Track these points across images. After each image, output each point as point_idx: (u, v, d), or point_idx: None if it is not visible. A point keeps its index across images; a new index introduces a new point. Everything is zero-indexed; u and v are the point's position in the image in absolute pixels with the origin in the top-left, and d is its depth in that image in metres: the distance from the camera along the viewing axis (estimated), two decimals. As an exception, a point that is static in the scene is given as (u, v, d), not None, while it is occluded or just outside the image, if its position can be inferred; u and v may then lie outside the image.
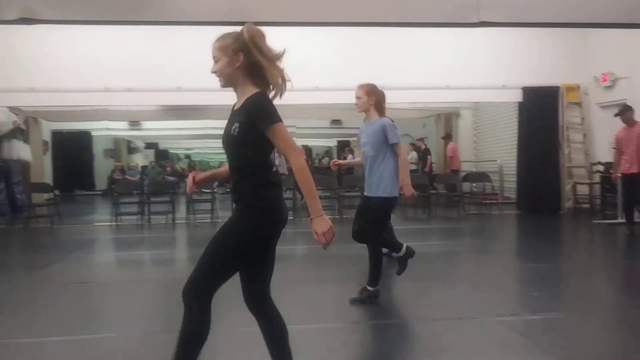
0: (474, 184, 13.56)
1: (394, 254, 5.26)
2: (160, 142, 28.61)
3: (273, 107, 2.54)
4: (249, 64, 2.58)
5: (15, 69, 10.15)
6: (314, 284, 5.81)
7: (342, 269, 6.39)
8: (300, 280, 5.92)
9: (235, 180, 2.61)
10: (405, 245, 4.93)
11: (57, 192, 12.63)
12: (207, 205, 11.12)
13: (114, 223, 10.61)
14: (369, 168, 4.71)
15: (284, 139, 2.50)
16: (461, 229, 10.16)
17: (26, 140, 14.16)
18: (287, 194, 12.38)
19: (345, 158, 21.85)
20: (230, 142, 2.60)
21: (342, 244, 8.79)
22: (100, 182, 21.77)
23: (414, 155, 15.77)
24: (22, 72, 10.16)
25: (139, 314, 4.91)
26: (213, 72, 2.65)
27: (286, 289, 5.52)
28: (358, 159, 5.22)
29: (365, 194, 4.81)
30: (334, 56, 10.72)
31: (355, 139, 24.49)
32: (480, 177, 12.88)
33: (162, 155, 29.51)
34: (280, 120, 2.51)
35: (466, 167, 15.61)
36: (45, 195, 12.92)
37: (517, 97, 12.04)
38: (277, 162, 16.79)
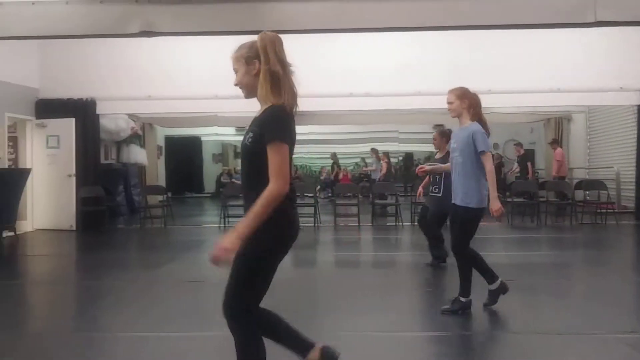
0: (587, 192, 12.81)
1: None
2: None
3: (284, 124, 2.49)
4: (267, 72, 2.54)
5: (135, 79, 10.83)
6: (410, 291, 5.74)
7: (438, 277, 6.28)
8: (399, 287, 5.88)
9: (246, 189, 2.58)
10: (500, 280, 4.74)
11: (169, 194, 13.30)
12: (310, 210, 11.30)
13: (222, 225, 11.04)
14: (457, 175, 4.58)
15: (278, 161, 2.42)
16: (574, 239, 9.64)
17: (142, 145, 15.12)
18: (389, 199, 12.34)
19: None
20: (244, 151, 2.59)
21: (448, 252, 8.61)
22: (209, 185, 22.71)
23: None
24: (140, 82, 10.82)
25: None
26: (235, 84, 2.66)
27: (381, 296, 5.53)
28: (447, 164, 4.98)
29: (452, 202, 4.66)
30: (438, 60, 10.55)
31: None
32: (595, 184, 12.14)
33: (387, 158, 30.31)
34: (285, 141, 2.45)
35: (578, 174, 14.80)
36: (159, 197, 13.69)
37: (635, 100, 11.27)
38: (373, 166, 16.66)
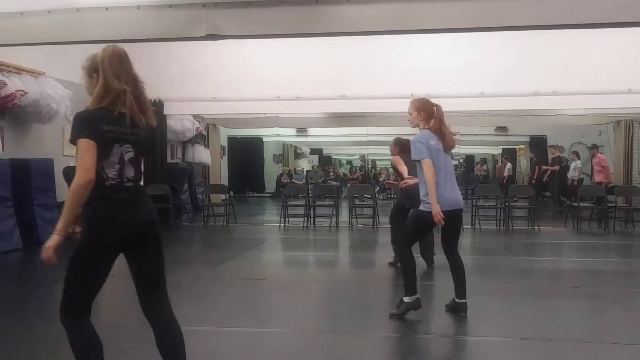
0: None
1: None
2: (324, 148, 29.59)
3: (81, 123, 2.62)
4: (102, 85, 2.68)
5: (200, 81, 11.12)
6: (477, 294, 5.67)
7: (510, 282, 6.18)
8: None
9: None
10: (417, 297, 4.68)
11: (231, 193, 13.60)
12: (369, 211, 11.32)
13: (282, 224, 11.20)
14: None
15: (79, 155, 2.55)
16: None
17: (206, 145, 15.51)
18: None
19: (503, 166, 21.00)
20: None
21: (510, 256, 8.49)
22: (270, 185, 23.03)
23: (577, 164, 14.81)
24: (206, 84, 11.10)
25: (307, 312, 5.17)
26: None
27: (442, 298, 5.49)
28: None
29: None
30: (502, 61, 10.34)
31: (521, 146, 23.35)
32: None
33: (325, 161, 30.49)
34: (82, 137, 2.56)
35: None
36: (222, 196, 14.01)
37: None
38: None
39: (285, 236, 10.33)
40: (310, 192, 12.54)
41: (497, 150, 28.81)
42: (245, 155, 21.19)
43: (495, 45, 10.20)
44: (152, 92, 11.15)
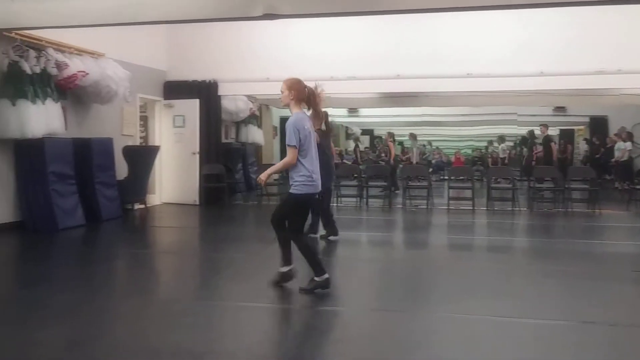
0: None
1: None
2: (375, 129, 29.39)
3: None
4: None
5: (254, 62, 11.19)
6: (536, 277, 5.55)
7: (570, 265, 6.02)
8: (515, 273, 5.71)
9: None
10: (327, 276, 4.77)
11: (284, 173, 13.66)
12: (423, 192, 11.20)
13: (334, 204, 11.21)
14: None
15: None
16: None
17: (259, 126, 15.65)
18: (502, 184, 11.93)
19: (567, 147, 20.28)
20: None
21: (569, 238, 8.26)
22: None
23: (621, 145, 14.27)
24: (259, 64, 11.16)
25: (361, 291, 5.18)
26: None
27: (495, 280, 5.40)
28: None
29: None
30: (561, 38, 9.97)
31: (580, 127, 22.53)
32: None
33: (392, 139, 30.32)
34: None
35: None
36: (275, 176, 14.10)
37: None
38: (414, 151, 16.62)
39: (338, 216, 10.32)
40: (362, 172, 12.48)
41: (554, 131, 27.94)
42: (297, 135, 21.19)
43: (555, 22, 9.84)
44: (207, 73, 11.36)
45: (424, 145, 22.60)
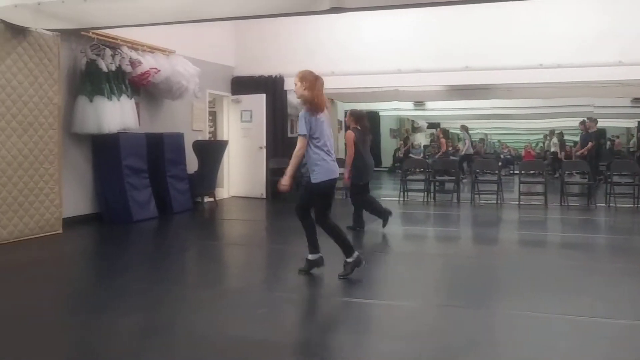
0: None
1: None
2: (442, 122, 28.93)
3: None
4: None
5: (320, 56, 11.19)
6: (614, 275, 5.30)
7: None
8: (589, 270, 5.47)
9: None
10: (357, 253, 4.97)
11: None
12: (493, 186, 10.92)
13: (401, 199, 11.11)
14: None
15: None
16: None
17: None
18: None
19: None
20: None
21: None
22: (386, 160, 22.92)
23: None
24: (324, 58, 11.16)
25: (431, 285, 5.10)
26: None
27: (569, 278, 5.19)
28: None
29: None
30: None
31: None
32: None
33: (443, 135, 29.82)
34: None
35: None
36: (340, 170, 14.10)
37: None
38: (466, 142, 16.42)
39: (405, 210, 10.23)
40: (429, 167, 12.31)
41: (632, 124, 26.64)
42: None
43: (633, 10, 9.34)
44: (273, 68, 11.46)
45: (482, 139, 22.10)
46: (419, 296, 4.71)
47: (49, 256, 6.34)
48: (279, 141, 11.81)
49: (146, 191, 8.48)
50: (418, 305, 4.41)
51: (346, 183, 7.43)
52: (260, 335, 3.70)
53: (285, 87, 11.92)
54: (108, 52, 8.03)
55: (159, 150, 8.92)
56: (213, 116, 11.98)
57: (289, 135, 13.14)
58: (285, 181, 4.89)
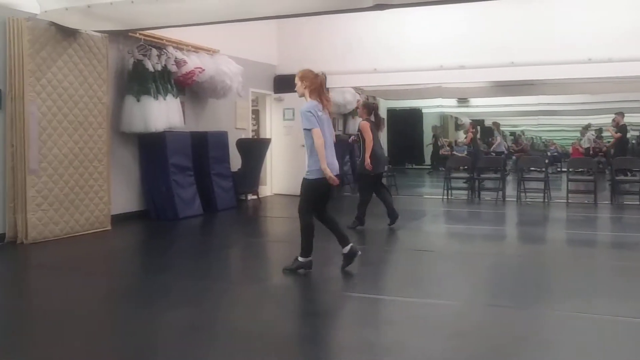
0: None
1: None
2: (486, 119, 28.45)
3: None
4: None
5: (362, 53, 11.16)
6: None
7: None
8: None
9: None
10: (351, 245, 5.09)
11: (390, 165, 13.57)
12: (539, 184, 10.68)
13: (445, 197, 10.97)
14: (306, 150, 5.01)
15: None
16: None
17: (367, 118, 15.59)
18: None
19: None
20: None
21: None
22: (429, 158, 22.68)
23: None
24: (367, 55, 11.12)
25: (476, 285, 5.01)
26: None
27: (620, 279, 5.03)
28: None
29: None
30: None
31: None
32: None
33: (487, 132, 29.33)
34: None
35: None
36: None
37: None
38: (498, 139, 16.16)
39: (449, 209, 10.10)
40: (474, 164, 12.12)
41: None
42: (405, 127, 21.02)
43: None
44: (315, 66, 11.41)
45: (518, 135, 21.61)
46: (465, 295, 4.64)
47: (98, 252, 6.51)
48: (321, 139, 11.81)
49: (191, 189, 8.61)
50: (464, 304, 4.34)
51: (368, 168, 7.33)
52: (303, 332, 3.71)
53: (328, 85, 11.83)
54: (154, 52, 8.18)
55: (204, 149, 9.04)
56: (256, 114, 12.08)
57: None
58: (327, 175, 4.83)
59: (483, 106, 20.53)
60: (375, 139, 7.44)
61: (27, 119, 6.39)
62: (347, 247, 5.12)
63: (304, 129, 4.87)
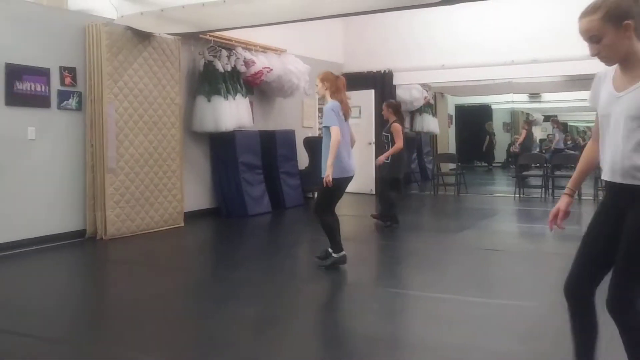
0: None
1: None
2: (559, 115, 27.50)
3: None
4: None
5: (429, 49, 11.01)
6: None
7: None
8: None
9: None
10: (344, 253, 5.16)
11: (459, 162, 13.34)
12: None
13: (517, 195, 10.68)
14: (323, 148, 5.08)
15: None
16: None
17: (434, 114, 15.41)
18: None
19: None
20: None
21: None
22: (499, 155, 22.08)
23: None
24: (434, 52, 10.96)
25: (548, 286, 4.83)
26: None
27: None
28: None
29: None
30: None
31: None
32: None
33: (527, 126, 28.29)
34: None
35: None
36: (451, 165, 13.82)
37: None
38: (556, 137, 15.52)
39: (521, 207, 9.82)
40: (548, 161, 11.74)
41: None
42: (473, 123, 20.56)
43: None
44: (382, 63, 11.35)
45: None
46: (539, 296, 4.49)
47: (172, 247, 6.73)
48: (388, 137, 11.75)
49: (260, 187, 8.76)
50: (538, 305, 4.20)
51: (380, 162, 7.46)
52: (373, 330, 3.70)
53: (395, 82, 11.84)
54: (224, 53, 8.37)
55: (272, 147, 9.17)
56: (322, 113, 12.13)
57: (399, 130, 13.05)
58: (327, 174, 4.90)
59: (556, 101, 19.83)
60: (404, 143, 7.52)
61: (106, 120, 6.68)
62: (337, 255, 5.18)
63: (324, 127, 5.04)
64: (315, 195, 5.34)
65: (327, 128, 4.97)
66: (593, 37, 2.20)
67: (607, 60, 2.24)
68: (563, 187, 9.32)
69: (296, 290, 4.76)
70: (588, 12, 2.20)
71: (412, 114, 14.51)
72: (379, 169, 7.84)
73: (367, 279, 5.19)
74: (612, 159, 2.22)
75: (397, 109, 7.65)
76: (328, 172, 4.88)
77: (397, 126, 7.37)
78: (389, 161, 7.39)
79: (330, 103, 5.09)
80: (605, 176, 2.29)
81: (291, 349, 3.43)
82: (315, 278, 5.21)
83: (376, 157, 11.31)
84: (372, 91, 11.50)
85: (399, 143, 7.23)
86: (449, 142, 17.56)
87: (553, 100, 19.68)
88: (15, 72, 6.07)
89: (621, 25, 2.13)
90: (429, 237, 7.29)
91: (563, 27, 9.82)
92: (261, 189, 8.76)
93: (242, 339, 3.61)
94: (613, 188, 2.28)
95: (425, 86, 13.81)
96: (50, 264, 5.77)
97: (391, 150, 7.31)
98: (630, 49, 2.17)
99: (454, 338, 3.59)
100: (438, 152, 15.32)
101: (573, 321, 2.58)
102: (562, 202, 2.49)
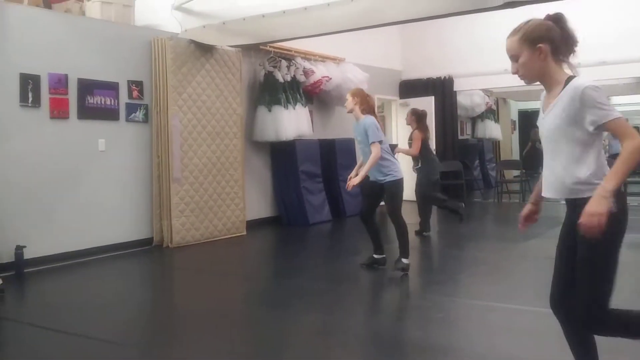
0: None
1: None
2: (630, 118, 26.39)
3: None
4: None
5: (490, 54, 10.73)
6: None
7: None
8: None
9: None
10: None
11: (523, 170, 12.97)
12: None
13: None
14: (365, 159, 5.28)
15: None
16: None
17: (496, 120, 15.08)
18: None
19: None
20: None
21: None
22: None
23: None
24: (495, 56, 10.67)
25: (624, 297, 4.62)
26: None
27: None
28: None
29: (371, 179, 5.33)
30: None
31: None
32: None
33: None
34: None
35: None
36: (514, 172, 13.47)
37: None
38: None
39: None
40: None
41: None
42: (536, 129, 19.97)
43: None
44: (441, 69, 11.23)
45: None
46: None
47: (235, 255, 6.85)
48: (449, 144, 11.60)
49: (320, 195, 8.80)
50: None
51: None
52: (437, 341, 3.63)
53: (455, 88, 11.67)
54: (284, 63, 8.48)
55: (331, 156, 9.20)
56: (382, 120, 12.09)
57: (459, 137, 12.85)
58: (355, 181, 5.14)
59: (626, 104, 19.01)
60: (430, 147, 7.77)
61: (171, 131, 6.89)
62: (379, 256, 5.50)
63: (371, 142, 5.13)
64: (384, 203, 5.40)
65: (373, 143, 5.15)
66: (513, 57, 2.38)
67: (524, 78, 2.40)
68: (634, 193, 8.95)
69: (356, 298, 4.74)
70: (511, 33, 2.39)
71: (474, 120, 14.26)
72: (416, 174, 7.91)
73: (430, 287, 5.11)
74: (550, 178, 2.40)
75: (420, 117, 7.75)
76: (352, 183, 5.16)
77: (417, 134, 7.55)
78: (419, 166, 7.61)
79: (371, 119, 5.28)
80: (547, 194, 2.49)
81: (351, 356, 3.42)
82: (376, 286, 5.18)
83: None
84: (432, 98, 11.38)
85: (413, 149, 7.50)
86: (512, 148, 17.13)
87: (623, 104, 18.88)
88: (87, 87, 6.35)
89: (535, 47, 2.31)
90: (494, 245, 7.12)
91: (631, 27, 9.51)
92: (321, 198, 8.80)
93: (303, 345, 3.62)
94: (566, 203, 2.46)
95: (487, 91, 13.55)
96: (120, 271, 5.97)
97: (404, 150, 7.82)
98: (543, 70, 2.35)
99: (525, 351, 3.48)
100: (501, 159, 14.97)
101: (567, 338, 2.55)
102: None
